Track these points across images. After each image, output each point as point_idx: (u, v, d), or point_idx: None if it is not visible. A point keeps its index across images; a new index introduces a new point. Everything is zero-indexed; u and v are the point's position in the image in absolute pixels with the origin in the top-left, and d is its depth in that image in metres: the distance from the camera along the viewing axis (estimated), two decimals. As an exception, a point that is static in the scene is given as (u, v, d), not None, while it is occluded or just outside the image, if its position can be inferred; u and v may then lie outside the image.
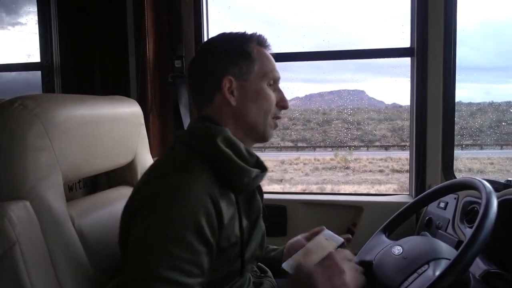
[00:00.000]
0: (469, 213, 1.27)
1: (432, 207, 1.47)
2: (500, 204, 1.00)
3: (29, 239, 0.87)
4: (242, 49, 1.00)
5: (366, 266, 1.07)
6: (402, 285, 0.93)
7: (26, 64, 2.24)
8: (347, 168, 4.96)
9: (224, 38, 1.03)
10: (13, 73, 2.42)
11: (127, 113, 1.28)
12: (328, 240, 1.10)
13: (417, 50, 1.72)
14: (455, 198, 1.36)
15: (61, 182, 0.99)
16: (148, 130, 1.42)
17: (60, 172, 0.99)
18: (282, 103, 1.04)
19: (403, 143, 4.76)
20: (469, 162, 4.06)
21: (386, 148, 4.77)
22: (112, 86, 1.80)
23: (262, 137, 1.03)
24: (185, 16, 1.87)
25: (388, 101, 4.98)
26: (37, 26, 2.04)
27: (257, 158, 0.99)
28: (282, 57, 1.96)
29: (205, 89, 1.01)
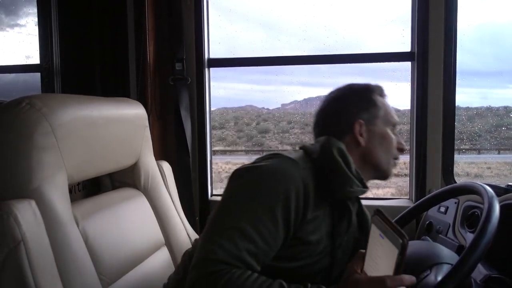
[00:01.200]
0: (469, 218, 1.28)
1: (432, 212, 1.48)
2: (501, 208, 1.00)
3: (34, 238, 0.87)
4: (370, 98, 1.11)
5: None
6: None
7: (25, 66, 2.23)
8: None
9: (354, 89, 1.14)
10: (12, 75, 2.41)
11: (132, 115, 1.29)
12: (384, 238, 0.83)
13: (418, 55, 1.73)
14: (455, 203, 1.37)
15: (66, 182, 1.00)
16: (148, 132, 1.42)
17: (65, 172, 0.99)
18: (400, 146, 1.14)
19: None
20: (467, 166, 4.07)
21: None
22: (112, 88, 1.79)
23: (384, 175, 1.13)
24: (185, 19, 1.88)
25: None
26: (36, 27, 2.04)
27: (362, 179, 1.05)
28: (282, 60, 1.96)
29: (336, 131, 1.09)
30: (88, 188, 1.31)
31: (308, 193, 0.94)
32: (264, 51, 2.22)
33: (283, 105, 5.60)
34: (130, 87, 1.81)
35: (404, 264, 0.77)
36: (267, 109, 5.35)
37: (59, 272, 0.92)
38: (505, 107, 4.11)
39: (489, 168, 4.31)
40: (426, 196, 1.17)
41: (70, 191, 1.26)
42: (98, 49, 1.84)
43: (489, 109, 4.07)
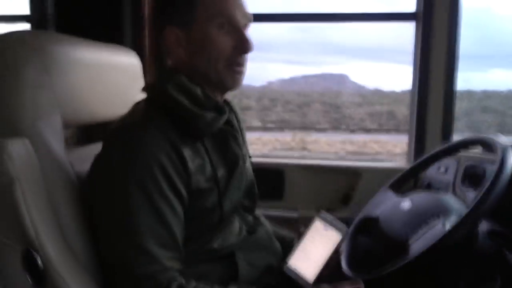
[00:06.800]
0: (472, 176, 1.28)
1: (432, 172, 1.47)
2: None
3: (28, 177, 0.81)
4: None
5: (372, 223, 1.07)
6: (412, 239, 0.92)
7: (14, 16, 2.07)
8: (304, 149, 5.00)
9: None
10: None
11: (126, 63, 1.23)
12: (328, 230, 0.99)
13: (422, 15, 1.68)
14: (456, 162, 1.36)
15: (60, 124, 0.93)
16: (144, 83, 1.36)
17: (59, 113, 0.92)
18: (240, 47, 0.91)
19: (380, 128, 4.85)
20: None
21: (369, 131, 4.83)
22: (105, 36, 1.68)
23: (220, 87, 0.97)
24: None
25: (371, 86, 5.05)
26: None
27: (217, 102, 0.94)
28: (272, 17, 1.89)
29: (160, 41, 0.96)
30: (82, 142, 1.25)
31: (178, 147, 0.85)
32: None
33: (268, 82, 5.56)
34: (125, 36, 1.71)
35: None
36: (253, 86, 5.30)
37: (55, 213, 0.85)
38: (484, 91, 4.21)
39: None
40: (438, 148, 1.14)
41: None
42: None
43: (468, 92, 4.15)
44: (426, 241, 0.86)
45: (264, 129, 4.88)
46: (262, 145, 5.03)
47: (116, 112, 1.19)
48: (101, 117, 1.14)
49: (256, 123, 4.89)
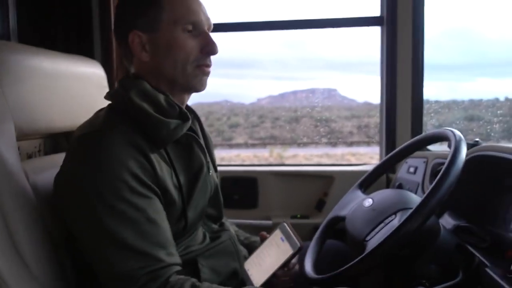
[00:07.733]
0: (437, 174, 1.27)
1: (402, 173, 1.47)
2: (470, 160, 0.99)
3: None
4: None
5: (339, 223, 1.05)
6: (369, 236, 0.91)
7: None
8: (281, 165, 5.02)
9: None
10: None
11: (88, 73, 1.23)
12: (284, 242, 0.99)
13: (387, 19, 1.70)
14: (424, 162, 1.36)
15: (13, 132, 0.91)
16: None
17: (12, 122, 0.91)
18: (207, 49, 0.93)
19: (367, 139, 4.86)
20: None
21: (350, 144, 4.83)
22: (75, 50, 1.68)
23: (188, 88, 0.96)
24: None
25: (360, 99, 5.07)
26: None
27: (180, 109, 0.93)
28: (240, 26, 1.88)
29: (123, 47, 0.96)
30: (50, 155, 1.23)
31: (145, 151, 0.85)
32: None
33: (259, 99, 5.58)
34: (94, 48, 1.70)
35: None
36: (243, 103, 5.31)
37: (6, 223, 0.84)
38: (471, 100, 4.23)
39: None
40: (400, 147, 1.13)
41: (31, 156, 1.18)
42: (59, 5, 1.67)
43: (454, 102, 4.17)
44: (380, 237, 0.85)
45: (246, 145, 4.86)
46: (241, 162, 5.04)
47: (79, 122, 1.18)
48: (63, 127, 1.13)
49: (243, 140, 4.88)
